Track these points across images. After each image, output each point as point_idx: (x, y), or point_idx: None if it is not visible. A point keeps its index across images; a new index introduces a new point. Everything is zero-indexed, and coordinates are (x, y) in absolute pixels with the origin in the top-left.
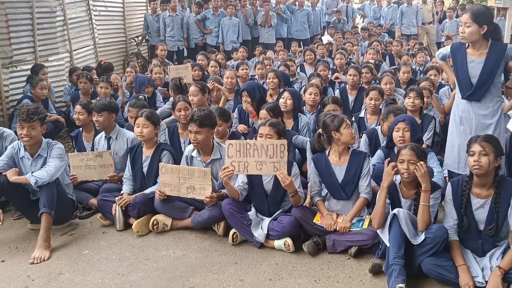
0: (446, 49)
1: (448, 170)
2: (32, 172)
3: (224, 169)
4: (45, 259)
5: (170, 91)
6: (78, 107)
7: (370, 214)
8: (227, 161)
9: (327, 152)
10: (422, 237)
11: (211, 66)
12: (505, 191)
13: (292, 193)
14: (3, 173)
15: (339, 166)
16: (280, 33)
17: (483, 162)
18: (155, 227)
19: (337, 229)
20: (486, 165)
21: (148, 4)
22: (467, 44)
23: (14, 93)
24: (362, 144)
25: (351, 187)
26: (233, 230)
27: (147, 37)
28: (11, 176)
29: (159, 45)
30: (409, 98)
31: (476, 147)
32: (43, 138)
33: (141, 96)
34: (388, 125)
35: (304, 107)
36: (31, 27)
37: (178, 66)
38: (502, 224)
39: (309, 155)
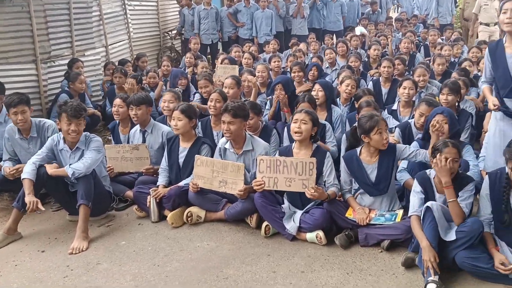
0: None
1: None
2: (70, 164)
3: (257, 181)
4: (84, 249)
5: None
6: (118, 101)
7: (403, 208)
8: (258, 176)
9: (358, 151)
10: (453, 235)
11: (245, 58)
12: None
13: (326, 199)
14: (43, 165)
15: (370, 165)
16: (313, 24)
17: None
18: (189, 219)
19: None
20: None
21: None
22: (504, 39)
23: (52, 88)
24: (396, 137)
25: (385, 183)
26: (265, 223)
27: (182, 31)
28: (50, 169)
29: (192, 39)
30: (442, 95)
31: None
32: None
33: (177, 89)
34: (420, 113)
35: (338, 99)
36: (68, 22)
37: (226, 66)
38: None
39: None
